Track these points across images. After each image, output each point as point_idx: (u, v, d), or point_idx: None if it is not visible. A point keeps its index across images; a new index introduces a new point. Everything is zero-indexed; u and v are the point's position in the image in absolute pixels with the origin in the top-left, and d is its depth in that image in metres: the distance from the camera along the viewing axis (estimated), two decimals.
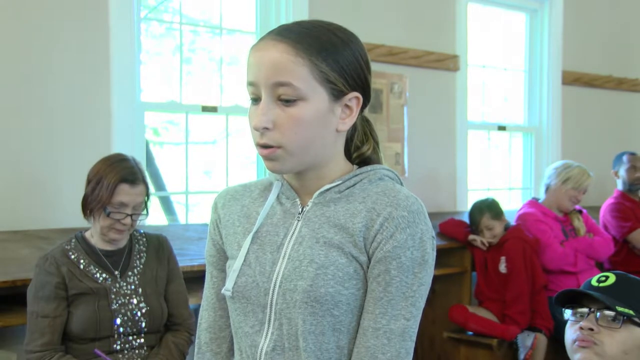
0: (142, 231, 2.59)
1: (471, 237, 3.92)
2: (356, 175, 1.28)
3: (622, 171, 4.53)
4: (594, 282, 1.76)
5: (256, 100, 1.23)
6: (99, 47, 3.20)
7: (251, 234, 1.29)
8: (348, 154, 1.33)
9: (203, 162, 3.90)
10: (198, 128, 3.83)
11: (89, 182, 2.42)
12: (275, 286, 1.24)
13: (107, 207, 2.36)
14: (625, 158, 4.55)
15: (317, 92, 1.21)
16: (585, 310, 1.71)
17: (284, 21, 3.78)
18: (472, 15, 4.73)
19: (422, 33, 4.40)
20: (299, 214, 1.28)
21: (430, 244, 1.23)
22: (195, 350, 1.42)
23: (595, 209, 4.58)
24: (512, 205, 5.06)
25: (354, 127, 1.33)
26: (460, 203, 4.59)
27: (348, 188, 1.27)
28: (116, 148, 3.13)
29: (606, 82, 5.48)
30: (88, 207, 2.41)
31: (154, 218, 3.55)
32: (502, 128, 5.01)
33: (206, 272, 1.41)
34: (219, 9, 3.76)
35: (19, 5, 3.02)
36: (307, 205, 1.28)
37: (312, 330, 1.21)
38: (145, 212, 2.47)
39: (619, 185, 4.56)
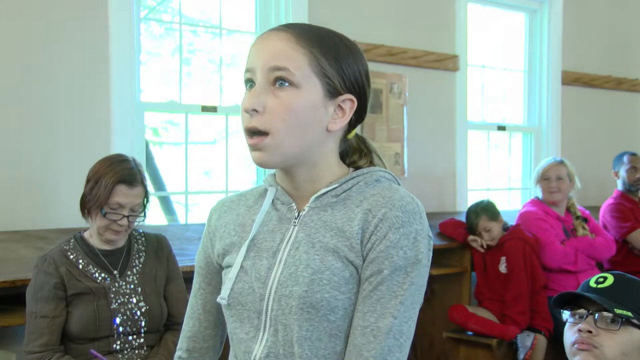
0: (141, 231, 2.58)
1: (470, 237, 3.92)
2: (352, 178, 1.27)
3: (623, 172, 4.52)
4: (592, 283, 1.75)
5: (251, 86, 1.24)
6: (99, 47, 3.20)
7: (247, 242, 1.28)
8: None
9: (203, 162, 3.90)
10: (198, 128, 3.83)
11: (88, 181, 2.41)
12: (270, 292, 1.23)
13: (103, 207, 2.36)
14: (625, 158, 4.55)
15: (312, 83, 1.21)
16: (583, 312, 1.71)
17: (283, 21, 3.78)
18: (472, 15, 4.73)
19: (421, 33, 4.40)
20: (295, 218, 1.27)
21: (425, 244, 1.21)
22: (178, 353, 1.42)
23: (595, 209, 4.58)
24: (511, 205, 5.06)
25: (348, 144, 1.32)
26: (460, 203, 4.59)
27: (344, 191, 1.26)
28: (116, 148, 3.13)
29: (605, 82, 5.48)
30: (86, 206, 2.40)
31: (154, 218, 3.55)
32: (501, 128, 5.01)
33: (194, 281, 1.41)
34: (219, 9, 3.76)
35: (19, 6, 3.02)
36: (304, 210, 1.27)
37: (308, 336, 1.20)
38: (143, 214, 2.46)
39: (619, 186, 4.55)
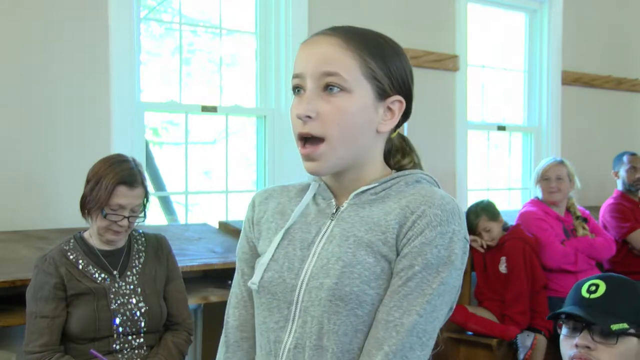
0: (140, 231, 2.58)
1: (470, 237, 3.91)
2: (393, 178, 1.28)
3: (622, 172, 4.52)
4: (584, 293, 1.72)
5: (300, 92, 1.25)
6: (99, 47, 3.20)
7: (282, 230, 1.30)
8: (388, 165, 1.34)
9: (203, 162, 3.90)
10: (198, 128, 3.84)
11: (88, 181, 2.41)
12: (302, 283, 1.24)
13: (104, 208, 2.36)
14: (625, 158, 4.55)
15: (363, 87, 1.23)
16: (578, 324, 1.69)
17: (283, 22, 3.78)
18: (472, 15, 4.73)
19: (421, 33, 4.40)
20: (333, 214, 1.28)
21: (460, 246, 1.22)
22: (222, 349, 1.38)
23: (595, 209, 4.58)
24: (511, 205, 5.06)
25: (391, 142, 1.34)
26: (460, 203, 4.56)
27: (384, 190, 1.27)
28: (116, 148, 3.13)
29: (605, 82, 5.48)
30: (86, 207, 2.40)
31: (154, 218, 3.55)
32: (501, 128, 5.01)
33: (236, 270, 1.40)
34: (219, 9, 3.76)
35: (19, 6, 3.02)
36: (342, 206, 1.28)
37: (335, 330, 1.20)
38: (143, 214, 2.46)
39: (619, 186, 4.55)
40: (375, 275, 1.20)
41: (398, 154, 1.36)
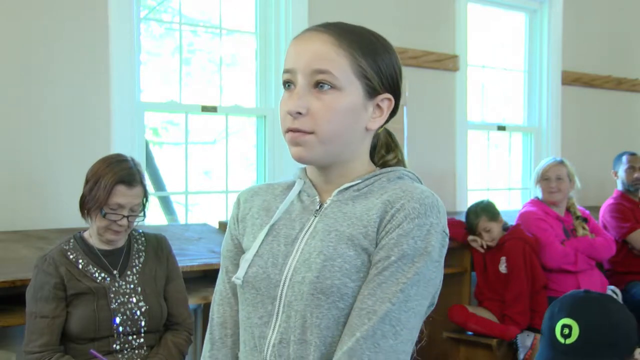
0: (140, 231, 2.58)
1: (470, 237, 3.92)
2: (376, 175, 1.30)
3: (621, 171, 4.53)
4: (559, 336, 1.66)
5: (290, 87, 1.26)
6: (99, 47, 3.20)
7: (267, 226, 1.31)
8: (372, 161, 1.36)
9: (203, 162, 3.90)
10: (198, 128, 3.84)
11: (87, 181, 2.41)
12: (286, 279, 1.25)
13: (103, 208, 2.36)
14: (624, 158, 4.55)
15: (354, 85, 1.25)
16: None
17: (283, 22, 3.78)
18: (472, 15, 4.73)
19: (421, 33, 4.40)
20: (317, 210, 1.30)
21: (437, 238, 1.22)
22: (207, 346, 1.39)
23: (595, 209, 4.58)
24: (511, 205, 5.06)
25: (377, 137, 1.36)
26: (460, 203, 4.59)
27: (367, 187, 1.29)
28: (116, 148, 3.13)
29: (606, 82, 5.48)
30: (85, 207, 2.40)
31: (154, 218, 3.55)
32: (501, 128, 5.02)
33: (221, 267, 1.41)
34: (219, 9, 3.76)
35: (19, 6, 3.02)
36: (326, 203, 1.30)
37: (317, 323, 1.21)
38: (142, 214, 2.46)
39: (619, 186, 4.55)
40: (356, 268, 1.21)
41: (382, 149, 1.37)
